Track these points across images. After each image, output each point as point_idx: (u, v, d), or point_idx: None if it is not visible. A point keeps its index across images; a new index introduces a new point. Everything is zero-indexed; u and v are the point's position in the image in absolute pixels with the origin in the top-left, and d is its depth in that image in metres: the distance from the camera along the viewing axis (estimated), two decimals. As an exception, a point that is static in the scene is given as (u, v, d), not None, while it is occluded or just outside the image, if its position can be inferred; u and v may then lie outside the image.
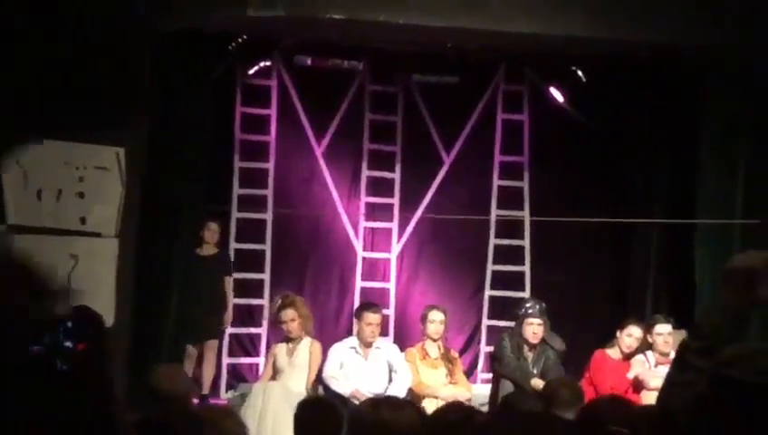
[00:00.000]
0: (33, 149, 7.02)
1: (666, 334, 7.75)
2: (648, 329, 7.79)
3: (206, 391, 8.70)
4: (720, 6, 8.09)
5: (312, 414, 4.20)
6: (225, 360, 9.31)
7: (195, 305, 8.64)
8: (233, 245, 9.50)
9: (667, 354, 7.75)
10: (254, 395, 7.34)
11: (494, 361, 8.04)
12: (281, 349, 7.89)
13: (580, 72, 9.85)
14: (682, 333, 8.40)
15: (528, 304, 8.06)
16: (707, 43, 8.30)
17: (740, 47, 8.35)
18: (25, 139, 6.99)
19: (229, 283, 9.00)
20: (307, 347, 7.82)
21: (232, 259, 9.25)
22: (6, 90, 6.95)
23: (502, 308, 9.90)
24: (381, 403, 3.23)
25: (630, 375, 7.67)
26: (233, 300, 9.07)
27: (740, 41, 8.28)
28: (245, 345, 9.55)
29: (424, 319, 8.11)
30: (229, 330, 9.22)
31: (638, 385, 7.62)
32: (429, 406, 7.63)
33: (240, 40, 9.05)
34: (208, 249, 8.94)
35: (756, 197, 8.75)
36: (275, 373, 7.83)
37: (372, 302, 8.50)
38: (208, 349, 8.79)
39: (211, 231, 8.91)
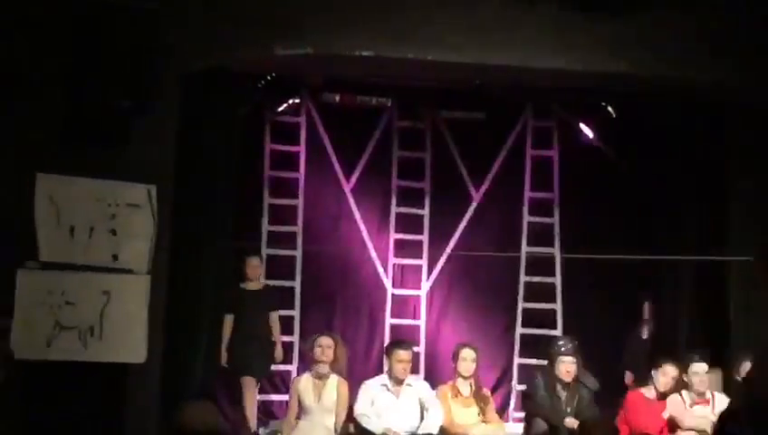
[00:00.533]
0: (65, 187, 7.03)
1: (701, 373, 7.66)
2: (683, 368, 7.69)
3: (253, 428, 8.62)
4: (750, 48, 8.04)
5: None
6: (256, 397, 9.24)
7: (246, 341, 8.59)
8: (262, 281, 9.46)
9: (703, 394, 7.66)
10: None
11: (527, 399, 7.97)
12: (306, 385, 7.76)
13: (609, 108, 9.79)
14: (718, 372, 8.34)
15: (561, 342, 7.99)
16: (736, 80, 8.27)
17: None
18: (58, 176, 7.01)
19: (275, 318, 8.85)
20: (334, 387, 7.73)
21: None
22: (39, 128, 6.99)
23: (534, 346, 9.79)
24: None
25: (666, 415, 7.57)
26: (280, 337, 8.90)
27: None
28: (276, 382, 9.48)
29: (455, 357, 8.04)
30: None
31: (673, 425, 7.52)
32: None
33: (269, 77, 9.07)
34: (252, 285, 8.82)
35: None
36: (301, 412, 7.74)
37: (403, 339, 8.45)
38: (252, 386, 8.67)
39: (252, 266, 8.80)
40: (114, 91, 7.11)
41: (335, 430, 7.56)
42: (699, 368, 7.69)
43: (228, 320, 8.65)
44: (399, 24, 7.84)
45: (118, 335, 7.10)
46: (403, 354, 7.75)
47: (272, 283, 9.44)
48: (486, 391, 8.22)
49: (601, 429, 5.24)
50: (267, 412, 9.37)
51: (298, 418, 7.73)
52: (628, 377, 9.17)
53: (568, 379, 7.80)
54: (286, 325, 9.47)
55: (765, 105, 8.53)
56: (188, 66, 7.54)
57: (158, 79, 7.32)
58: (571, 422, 7.49)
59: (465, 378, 7.99)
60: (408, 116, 10.00)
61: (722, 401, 7.77)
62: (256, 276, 8.82)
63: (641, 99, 9.24)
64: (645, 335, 9.44)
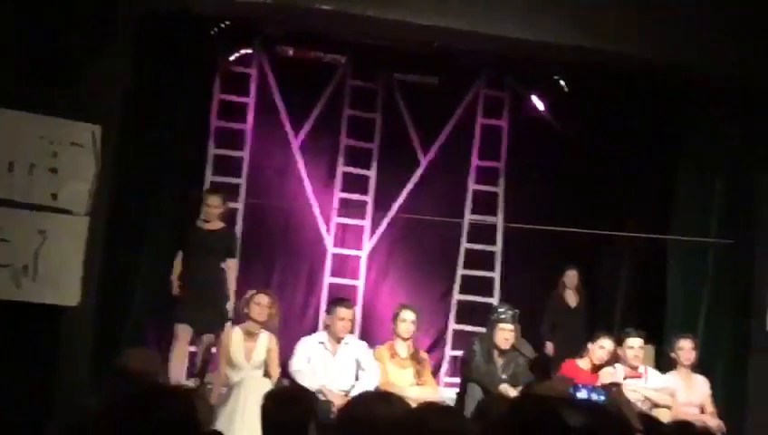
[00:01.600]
0: (6, 121, 6.85)
1: (637, 348, 7.77)
2: (619, 342, 7.77)
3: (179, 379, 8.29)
4: (706, 26, 8.09)
5: (281, 404, 4.05)
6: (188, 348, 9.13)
7: (197, 290, 7.84)
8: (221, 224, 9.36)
9: (636, 368, 7.76)
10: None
11: (464, 365, 7.99)
12: (237, 341, 7.70)
13: (562, 82, 9.80)
14: (651, 348, 8.45)
15: (501, 310, 8.01)
16: (692, 59, 8.31)
17: (724, 65, 8.37)
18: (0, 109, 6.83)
19: (232, 266, 8.09)
20: (265, 344, 7.70)
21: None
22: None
23: (469, 313, 9.86)
24: (373, 398, 3.15)
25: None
26: (234, 287, 8.08)
27: (724, 60, 8.30)
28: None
29: (395, 318, 8.03)
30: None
31: (605, 397, 7.57)
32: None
33: (223, 25, 8.90)
34: (210, 226, 8.07)
35: (732, 216, 8.78)
36: (229, 366, 7.69)
37: (345, 297, 8.40)
38: (186, 337, 7.90)
39: (211, 204, 8.04)
40: (66, 29, 6.94)
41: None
42: (634, 342, 7.79)
43: (179, 256, 8.01)
44: (359, -20, 7.76)
45: (52, 276, 6.94)
46: (345, 312, 7.72)
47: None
48: (424, 354, 8.23)
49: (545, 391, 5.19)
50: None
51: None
52: (549, 348, 9.22)
53: (506, 346, 7.83)
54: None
55: (718, 81, 8.60)
56: (144, 6, 7.36)
57: (113, 18, 7.15)
58: (506, 389, 7.52)
59: (403, 339, 7.98)
60: (362, 75, 9.92)
61: (654, 377, 7.89)
62: (215, 216, 8.08)
63: (594, 73, 9.25)
64: (573, 305, 9.46)
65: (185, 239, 8.04)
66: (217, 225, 8.12)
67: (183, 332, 7.83)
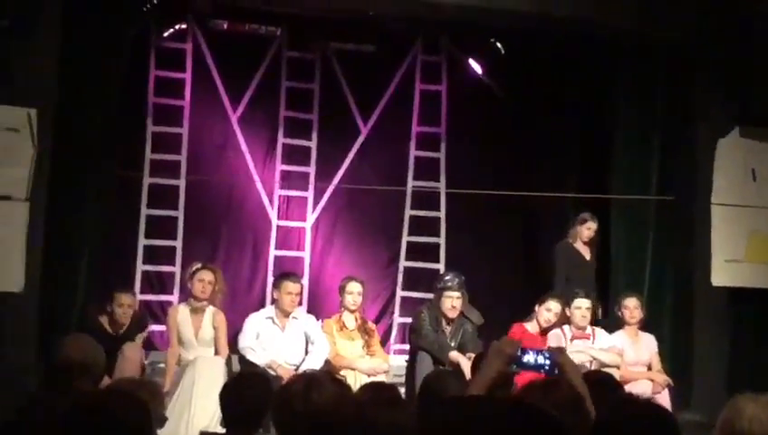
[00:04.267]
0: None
1: (584, 309, 7.85)
2: (566, 303, 7.85)
3: None
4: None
5: (242, 388, 4.09)
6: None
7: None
8: (144, 211, 9.29)
9: (583, 328, 7.84)
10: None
11: (412, 333, 8.02)
12: (184, 317, 7.66)
13: (498, 45, 9.82)
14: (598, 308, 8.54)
15: (447, 278, 8.04)
16: (621, 20, 8.40)
17: (655, 27, 8.46)
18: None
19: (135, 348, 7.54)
20: (210, 321, 7.65)
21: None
22: None
23: (416, 279, 9.90)
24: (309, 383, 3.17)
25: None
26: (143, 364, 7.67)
27: (655, 20, 8.39)
28: (156, 312, 9.31)
29: (342, 290, 8.03)
30: (139, 297, 8.86)
31: (553, 359, 7.65)
32: (347, 377, 7.63)
33: (155, 1, 8.77)
34: (118, 327, 7.57)
35: (671, 174, 8.88)
36: (181, 344, 7.64)
37: (291, 271, 8.37)
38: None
39: (123, 307, 7.53)
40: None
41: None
42: (581, 303, 7.86)
43: None
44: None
45: (-5, 262, 6.88)
46: (292, 286, 7.70)
47: (154, 212, 9.26)
48: (371, 325, 8.26)
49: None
50: (148, 344, 9.20)
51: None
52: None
53: (453, 314, 7.88)
54: (168, 255, 9.36)
55: (656, 48, 8.70)
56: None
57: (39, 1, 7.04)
58: (456, 356, 7.57)
59: (350, 311, 7.99)
60: (298, 46, 9.84)
61: (601, 337, 7.98)
62: (126, 320, 7.57)
63: (530, 35, 9.29)
64: (587, 257, 8.89)
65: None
66: (126, 320, 7.63)
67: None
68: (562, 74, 9.91)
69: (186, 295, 7.99)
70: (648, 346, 8.08)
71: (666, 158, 8.94)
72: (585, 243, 8.82)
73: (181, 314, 7.70)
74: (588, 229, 8.79)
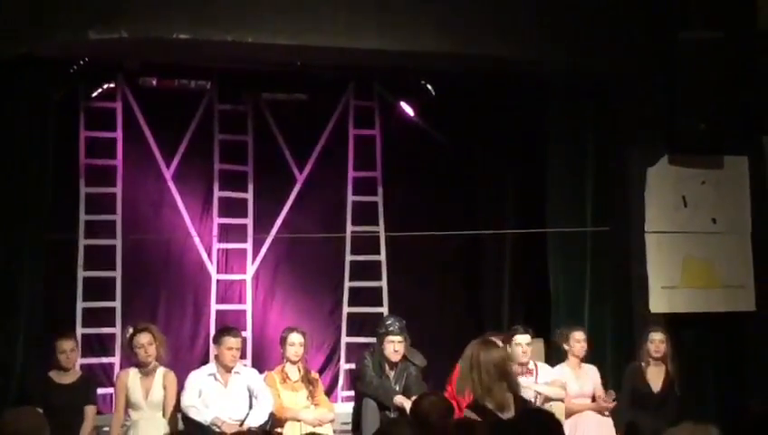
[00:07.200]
0: None
1: (524, 344, 7.89)
2: (507, 340, 7.87)
3: None
4: (563, 22, 8.31)
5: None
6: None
7: None
8: (81, 273, 9.19)
9: (525, 364, 7.88)
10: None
11: (356, 380, 8.00)
12: (134, 380, 7.55)
13: (429, 87, 9.91)
14: (540, 342, 8.60)
15: (388, 322, 8.04)
16: (550, 56, 8.52)
17: (582, 61, 8.59)
18: None
19: (90, 415, 7.59)
20: (161, 381, 7.56)
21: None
22: None
23: (360, 324, 9.88)
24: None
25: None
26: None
27: (581, 55, 8.52)
28: (98, 375, 9.17)
29: (283, 342, 7.99)
30: (81, 361, 8.77)
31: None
32: (291, 430, 7.59)
33: (81, 62, 8.74)
34: (66, 378, 7.58)
35: (605, 204, 8.98)
36: (128, 406, 7.53)
37: (231, 326, 8.31)
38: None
39: (64, 352, 7.54)
40: None
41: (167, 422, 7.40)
42: (522, 339, 7.91)
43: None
44: (217, 6, 7.72)
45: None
46: (232, 341, 7.63)
47: (91, 274, 9.17)
48: (315, 374, 8.22)
49: (437, 408, 5.20)
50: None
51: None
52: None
53: (396, 358, 7.87)
54: (107, 317, 9.25)
55: (583, 82, 8.82)
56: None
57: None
58: (401, 400, 7.56)
59: (293, 362, 7.95)
60: (229, 99, 9.84)
61: (545, 371, 8.01)
62: (71, 364, 7.61)
63: (462, 76, 9.38)
64: None
65: (39, 395, 7.32)
66: (75, 374, 7.67)
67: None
68: (494, 112, 9.99)
69: (127, 355, 7.88)
70: (591, 377, 8.13)
71: (599, 189, 9.03)
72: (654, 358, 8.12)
73: (132, 379, 7.58)
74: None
